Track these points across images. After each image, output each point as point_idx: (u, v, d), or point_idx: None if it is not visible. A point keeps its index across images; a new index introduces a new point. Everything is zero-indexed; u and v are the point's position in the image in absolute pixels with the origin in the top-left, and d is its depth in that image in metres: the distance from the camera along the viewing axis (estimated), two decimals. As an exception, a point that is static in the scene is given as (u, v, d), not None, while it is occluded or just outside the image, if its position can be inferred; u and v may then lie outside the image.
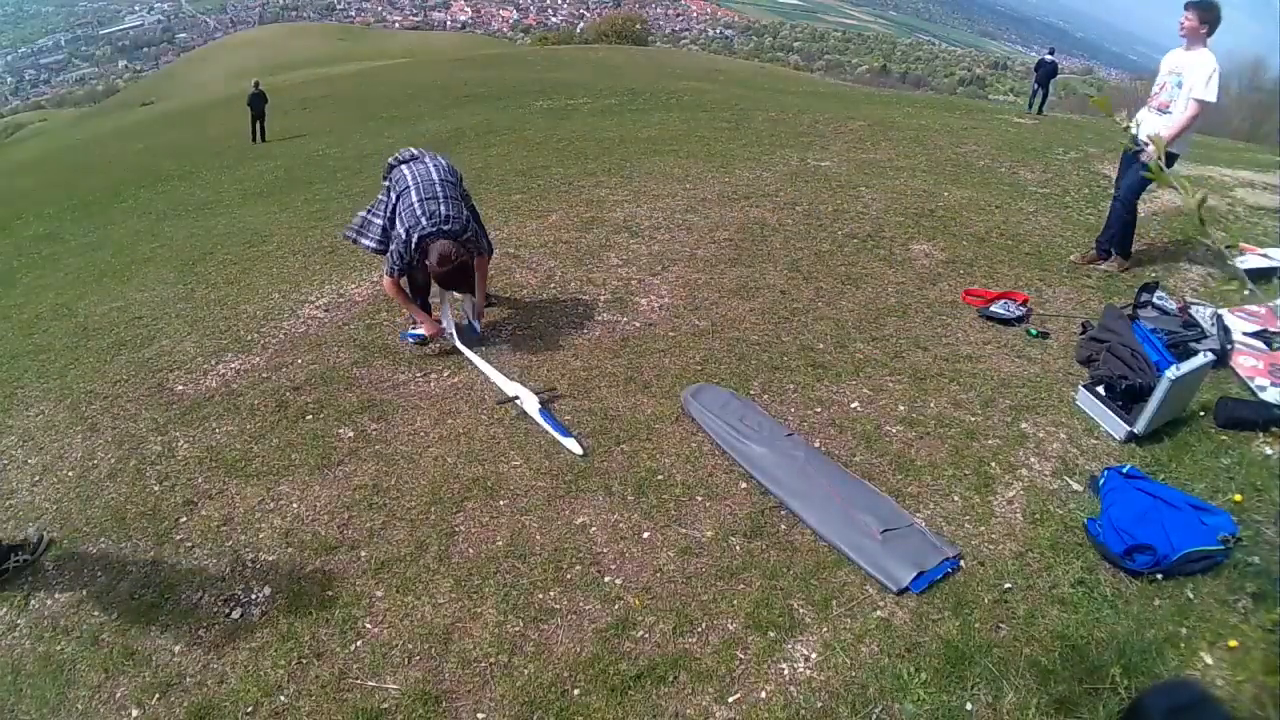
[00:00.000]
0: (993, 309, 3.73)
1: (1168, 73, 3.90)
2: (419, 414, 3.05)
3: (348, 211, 6.28)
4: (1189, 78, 3.75)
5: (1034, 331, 3.60)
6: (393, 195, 3.28)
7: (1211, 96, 3.67)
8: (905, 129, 8.66)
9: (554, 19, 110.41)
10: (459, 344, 3.42)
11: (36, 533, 2.51)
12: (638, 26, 51.07)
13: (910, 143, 7.82)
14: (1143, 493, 2.41)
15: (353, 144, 11.14)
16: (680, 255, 4.50)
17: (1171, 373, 2.64)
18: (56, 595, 2.31)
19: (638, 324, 3.72)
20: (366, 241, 3.42)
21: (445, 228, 3.14)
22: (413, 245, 3.13)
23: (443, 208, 3.16)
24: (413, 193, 3.18)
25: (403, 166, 3.31)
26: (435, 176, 3.26)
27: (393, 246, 3.20)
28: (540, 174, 6.78)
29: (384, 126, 12.87)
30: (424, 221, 3.12)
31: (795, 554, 2.31)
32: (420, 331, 3.50)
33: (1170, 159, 3.81)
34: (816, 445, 2.80)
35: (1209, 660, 1.98)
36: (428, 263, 3.12)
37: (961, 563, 2.26)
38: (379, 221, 3.37)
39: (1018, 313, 3.69)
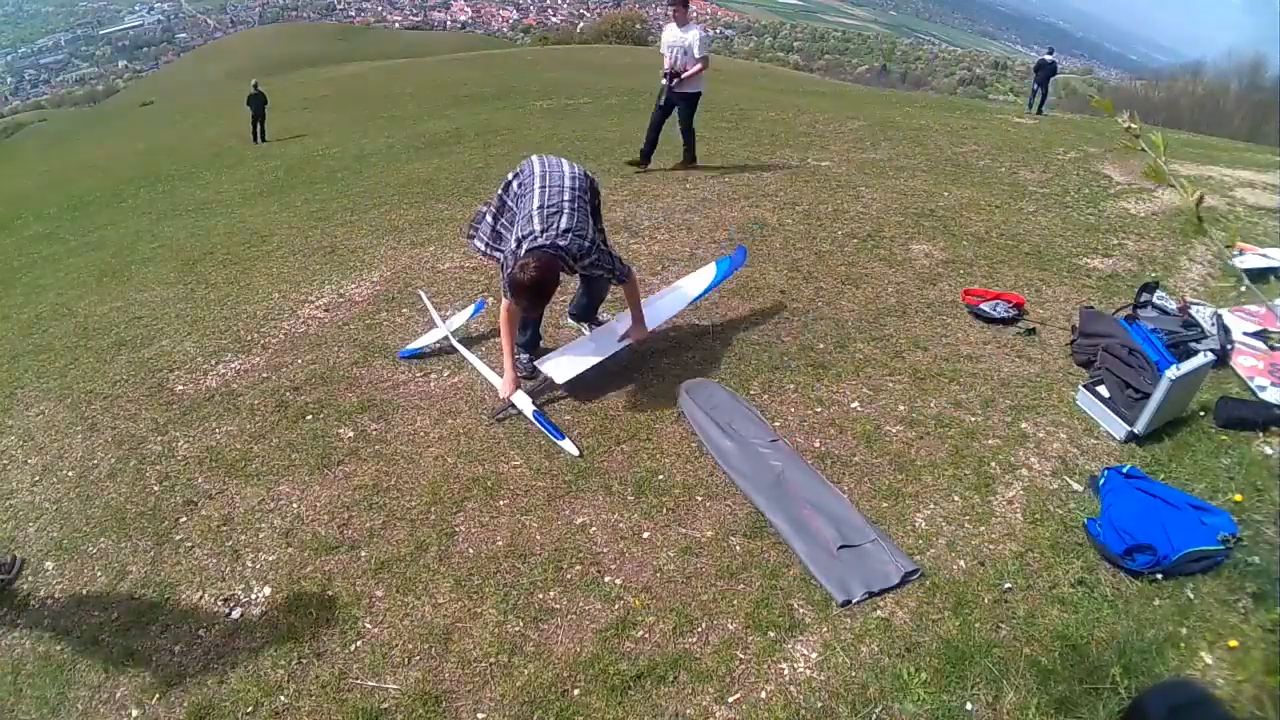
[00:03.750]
0: (981, 307, 3.74)
1: (669, 46, 5.85)
2: (419, 414, 3.05)
3: (348, 211, 6.30)
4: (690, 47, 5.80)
5: (1019, 329, 3.61)
6: (512, 191, 2.89)
7: (705, 52, 5.84)
8: (905, 129, 8.66)
9: (554, 19, 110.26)
10: (459, 347, 3.41)
11: (8, 553, 2.42)
12: (638, 26, 51.07)
13: (910, 143, 7.83)
14: (1143, 493, 2.41)
15: (353, 144, 11.13)
16: (680, 255, 4.50)
17: (1171, 373, 2.64)
18: (56, 595, 2.31)
19: (638, 324, 3.71)
20: (476, 242, 3.05)
21: (563, 244, 2.67)
22: (519, 257, 2.65)
23: (563, 219, 2.70)
24: (535, 196, 2.75)
25: (533, 158, 2.91)
26: (566, 181, 2.81)
27: (503, 258, 2.77)
28: (540, 174, 6.76)
29: (384, 126, 12.87)
30: (538, 229, 2.66)
31: (795, 554, 2.31)
32: (416, 347, 3.45)
33: (694, 99, 6.06)
34: (817, 444, 2.80)
35: (1209, 660, 1.98)
36: (512, 274, 2.61)
37: (920, 569, 2.24)
38: (489, 220, 2.99)
39: (1006, 314, 3.69)
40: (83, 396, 3.40)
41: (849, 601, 2.13)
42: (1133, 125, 1.11)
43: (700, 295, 3.55)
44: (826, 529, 2.36)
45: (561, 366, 3.08)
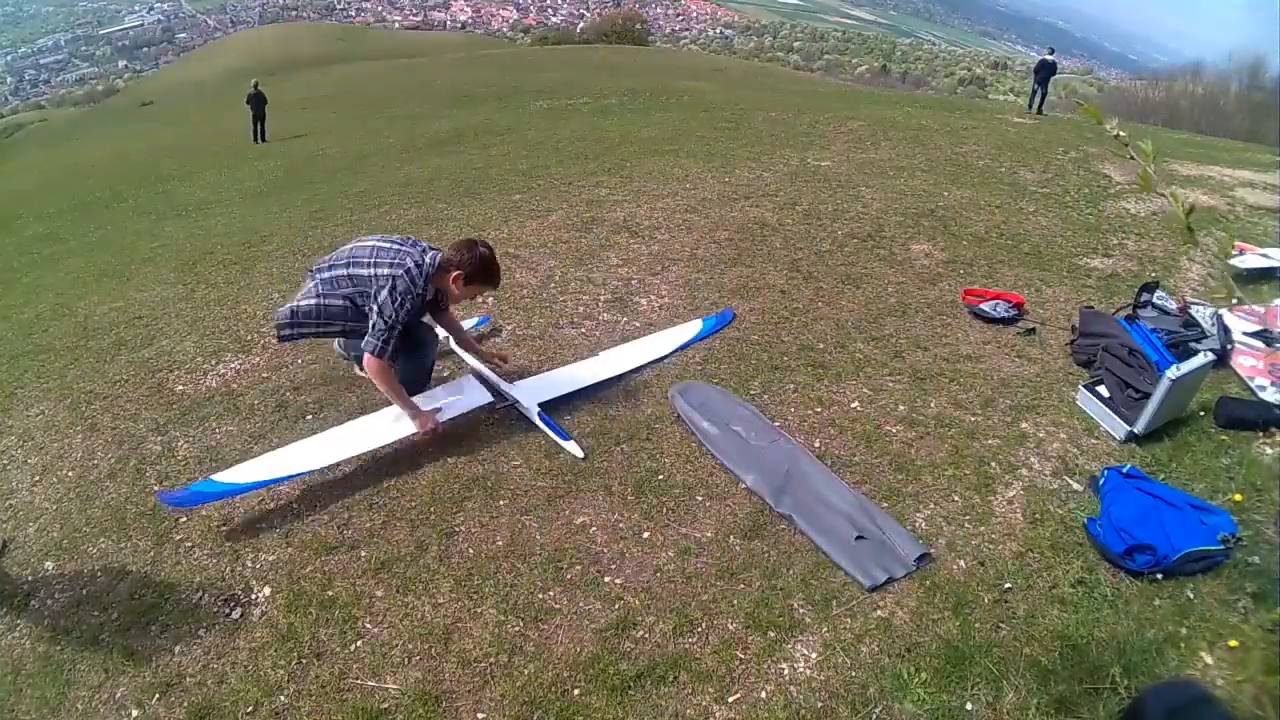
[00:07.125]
0: (981, 307, 3.74)
1: None
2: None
3: (348, 211, 6.30)
4: None
5: (1019, 329, 3.62)
6: (338, 264, 2.65)
7: None
8: (905, 129, 8.66)
9: (554, 19, 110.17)
10: (458, 349, 3.39)
11: None
12: (638, 26, 51.00)
13: (910, 143, 7.82)
14: (1143, 493, 2.41)
15: (353, 144, 11.14)
16: (680, 255, 4.50)
17: (1172, 373, 2.65)
18: (56, 595, 2.31)
19: (638, 324, 3.71)
20: (309, 330, 2.72)
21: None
22: (426, 274, 2.57)
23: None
24: (370, 239, 2.68)
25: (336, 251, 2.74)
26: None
27: (381, 305, 2.52)
28: (540, 174, 6.78)
29: (384, 126, 12.87)
30: (422, 245, 2.65)
31: (795, 554, 2.31)
32: None
33: None
34: (817, 444, 2.80)
35: (1209, 660, 1.98)
36: (475, 258, 2.59)
37: (931, 549, 2.30)
38: (338, 300, 2.65)
39: (1006, 314, 3.69)
40: (83, 396, 3.40)
41: (876, 586, 2.17)
42: (1121, 134, 1.10)
43: (677, 350, 3.41)
44: (840, 521, 2.38)
45: (534, 391, 3.02)
